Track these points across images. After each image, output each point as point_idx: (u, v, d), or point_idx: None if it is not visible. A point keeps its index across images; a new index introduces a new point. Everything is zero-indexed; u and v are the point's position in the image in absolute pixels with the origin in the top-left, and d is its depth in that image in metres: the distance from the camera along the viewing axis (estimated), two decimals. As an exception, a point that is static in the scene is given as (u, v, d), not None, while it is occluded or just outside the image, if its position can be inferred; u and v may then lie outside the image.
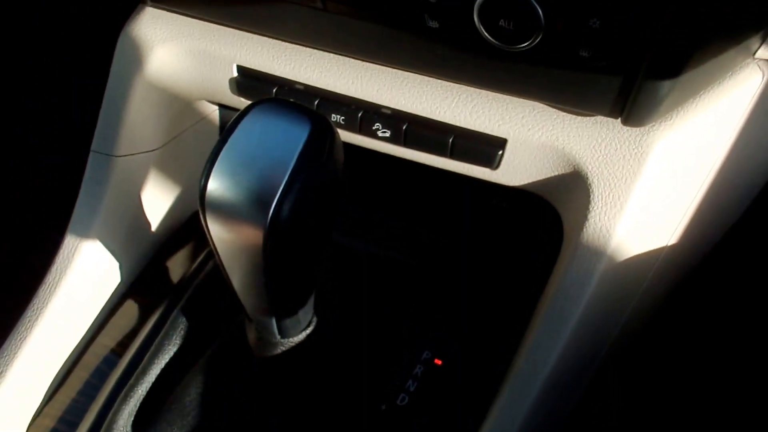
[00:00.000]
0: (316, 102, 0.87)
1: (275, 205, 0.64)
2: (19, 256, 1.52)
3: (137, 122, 0.97)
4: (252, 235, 0.66)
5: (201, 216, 0.68)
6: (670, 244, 0.85)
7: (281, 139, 0.66)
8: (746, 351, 1.11)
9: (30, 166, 1.59)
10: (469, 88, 0.82)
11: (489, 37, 0.71)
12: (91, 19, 1.33)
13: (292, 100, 0.72)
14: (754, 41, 0.75)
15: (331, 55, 0.86)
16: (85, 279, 0.96)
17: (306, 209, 0.66)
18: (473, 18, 0.70)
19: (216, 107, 1.06)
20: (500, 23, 0.69)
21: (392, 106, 0.86)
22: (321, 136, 0.66)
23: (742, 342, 1.12)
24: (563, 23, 0.69)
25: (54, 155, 1.54)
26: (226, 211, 0.66)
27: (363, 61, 0.85)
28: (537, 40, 0.69)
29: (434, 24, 0.74)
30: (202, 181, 0.65)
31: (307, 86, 0.89)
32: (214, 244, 0.70)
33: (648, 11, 0.66)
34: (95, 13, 1.28)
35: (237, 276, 0.74)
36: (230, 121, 0.67)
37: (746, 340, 1.12)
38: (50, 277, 0.95)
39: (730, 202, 0.95)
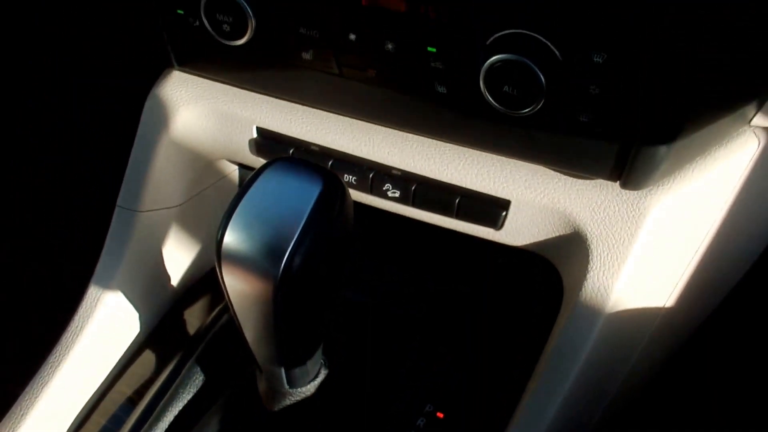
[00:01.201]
0: (330, 162, 0.92)
1: (287, 257, 0.68)
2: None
3: (161, 179, 1.01)
4: (264, 284, 0.69)
5: (217, 267, 0.71)
6: (667, 306, 0.87)
7: (294, 196, 0.70)
8: (746, 416, 1.12)
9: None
10: (474, 151, 0.86)
11: (494, 102, 0.75)
12: (121, 77, 1.35)
13: (304, 159, 0.77)
14: (750, 109, 0.79)
15: (346, 118, 0.91)
16: (105, 328, 1.00)
17: (316, 261, 0.70)
18: (479, 84, 0.75)
19: (236, 167, 1.10)
20: (504, 89, 0.74)
21: (402, 167, 0.90)
22: (332, 193, 0.70)
23: (742, 407, 1.13)
24: (563, 91, 0.73)
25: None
26: (240, 261, 0.69)
27: (375, 124, 0.90)
28: (539, 106, 0.74)
29: (443, 89, 0.79)
30: (219, 233, 0.69)
31: (322, 147, 0.93)
32: (228, 294, 0.74)
33: (645, 81, 0.71)
34: (126, 73, 1.31)
35: (249, 325, 0.77)
36: (248, 177, 0.71)
37: (746, 404, 1.13)
38: (73, 325, 0.99)
39: (728, 268, 0.97)
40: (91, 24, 1.36)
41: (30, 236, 1.52)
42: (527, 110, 0.74)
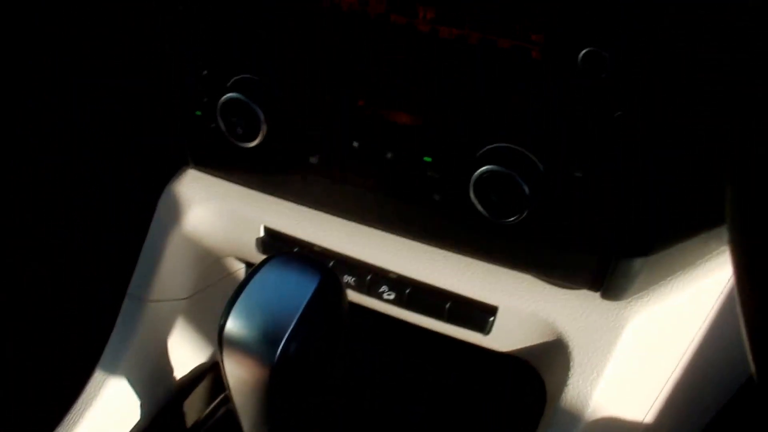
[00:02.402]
0: (331, 263, 0.97)
1: (284, 344, 0.72)
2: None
3: (171, 272, 1.06)
4: (262, 369, 0.74)
5: (218, 353, 0.76)
6: (646, 421, 0.90)
7: (293, 288, 0.75)
8: None
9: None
10: (466, 258, 0.91)
11: (482, 210, 0.80)
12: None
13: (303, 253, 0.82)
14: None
15: (348, 222, 0.96)
16: (107, 414, 1.03)
17: (311, 349, 0.75)
18: (470, 192, 0.80)
19: (243, 265, 1.15)
20: (492, 198, 0.80)
21: (398, 271, 0.95)
22: (329, 287, 0.76)
23: None
24: (546, 203, 0.79)
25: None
26: (240, 347, 0.74)
27: (375, 228, 0.95)
28: (523, 215, 0.79)
29: (437, 197, 0.84)
30: (222, 320, 0.75)
31: (324, 249, 0.98)
32: (227, 381, 0.79)
33: (620, 198, 0.76)
34: (141, 170, 1.34)
35: (247, 413, 0.81)
36: (251, 270, 0.77)
37: None
38: (75, 408, 1.02)
39: (713, 385, 1.00)
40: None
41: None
42: (512, 219, 0.79)
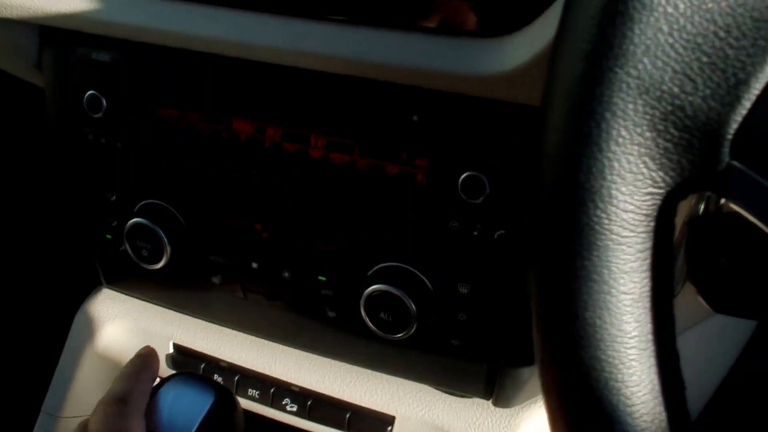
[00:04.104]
0: (236, 378, 1.00)
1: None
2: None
3: (85, 389, 1.08)
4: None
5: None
6: None
7: (189, 406, 0.79)
8: None
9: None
10: (365, 369, 0.96)
11: (373, 326, 0.84)
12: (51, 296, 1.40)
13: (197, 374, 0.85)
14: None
15: (252, 337, 1.00)
16: None
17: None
18: (361, 310, 0.85)
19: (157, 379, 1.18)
20: (381, 315, 0.84)
21: (300, 384, 0.98)
22: (223, 405, 0.80)
23: None
24: (434, 318, 0.83)
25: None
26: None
27: (277, 343, 0.99)
28: (411, 331, 0.83)
29: (332, 314, 0.89)
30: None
31: (230, 364, 1.02)
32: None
33: (504, 311, 0.81)
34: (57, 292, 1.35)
35: None
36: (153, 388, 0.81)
37: None
38: None
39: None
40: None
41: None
42: (401, 335, 0.83)
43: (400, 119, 0.78)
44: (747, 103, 0.39)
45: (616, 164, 0.41)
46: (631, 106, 0.40)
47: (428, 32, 0.73)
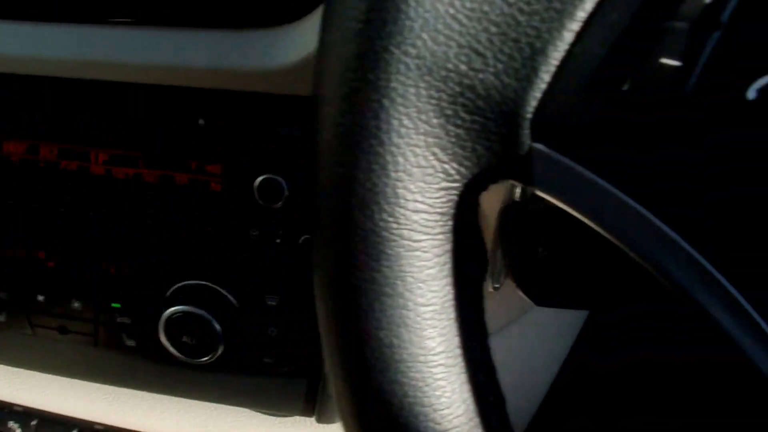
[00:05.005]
0: (34, 422, 0.92)
1: None
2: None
3: None
4: None
5: None
6: None
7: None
8: None
9: None
10: (176, 398, 0.88)
11: (175, 352, 0.78)
12: None
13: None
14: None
15: (50, 375, 0.92)
16: None
17: None
18: (160, 335, 0.77)
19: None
20: (183, 339, 0.77)
21: (104, 422, 0.92)
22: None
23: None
24: (242, 337, 0.77)
25: None
26: None
27: (73, 378, 0.90)
28: (219, 353, 0.77)
29: (131, 343, 0.81)
30: None
31: (25, 408, 0.95)
32: None
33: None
34: None
35: None
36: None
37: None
38: None
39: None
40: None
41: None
42: (207, 358, 0.77)
43: (186, 125, 0.73)
44: (546, 77, 0.34)
45: (400, 159, 0.35)
46: (412, 90, 0.35)
47: (206, 27, 0.68)
